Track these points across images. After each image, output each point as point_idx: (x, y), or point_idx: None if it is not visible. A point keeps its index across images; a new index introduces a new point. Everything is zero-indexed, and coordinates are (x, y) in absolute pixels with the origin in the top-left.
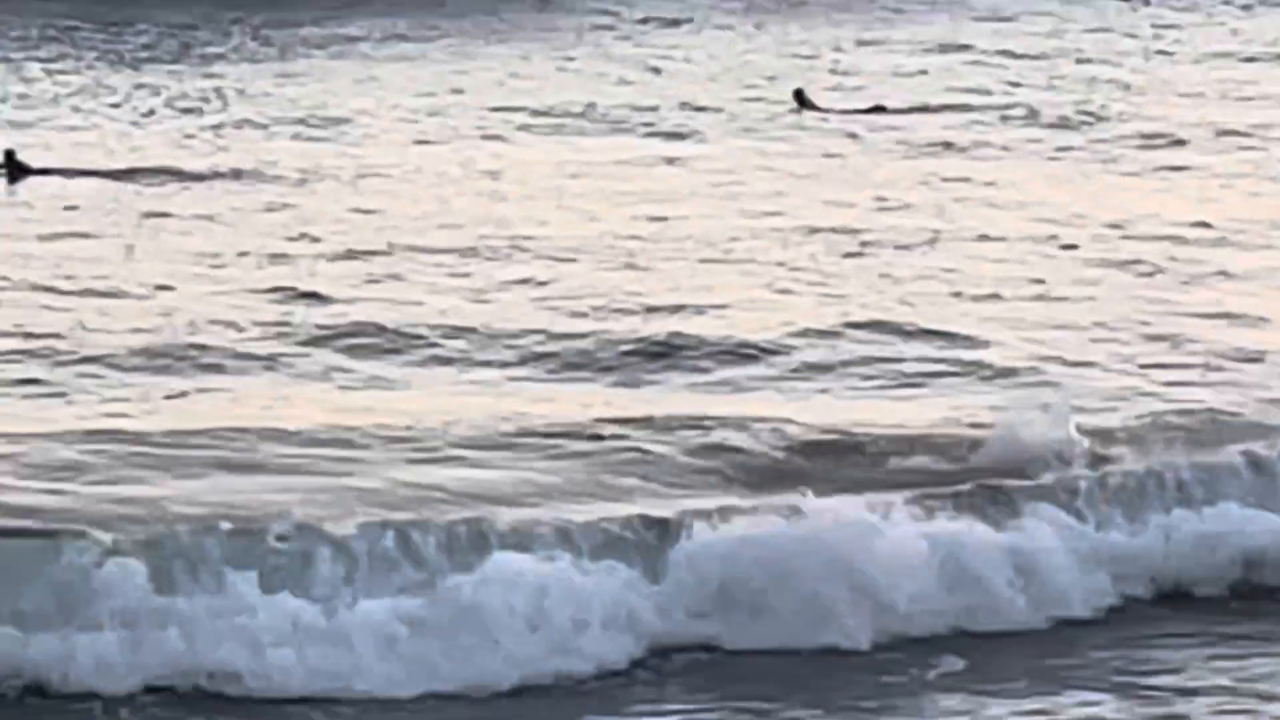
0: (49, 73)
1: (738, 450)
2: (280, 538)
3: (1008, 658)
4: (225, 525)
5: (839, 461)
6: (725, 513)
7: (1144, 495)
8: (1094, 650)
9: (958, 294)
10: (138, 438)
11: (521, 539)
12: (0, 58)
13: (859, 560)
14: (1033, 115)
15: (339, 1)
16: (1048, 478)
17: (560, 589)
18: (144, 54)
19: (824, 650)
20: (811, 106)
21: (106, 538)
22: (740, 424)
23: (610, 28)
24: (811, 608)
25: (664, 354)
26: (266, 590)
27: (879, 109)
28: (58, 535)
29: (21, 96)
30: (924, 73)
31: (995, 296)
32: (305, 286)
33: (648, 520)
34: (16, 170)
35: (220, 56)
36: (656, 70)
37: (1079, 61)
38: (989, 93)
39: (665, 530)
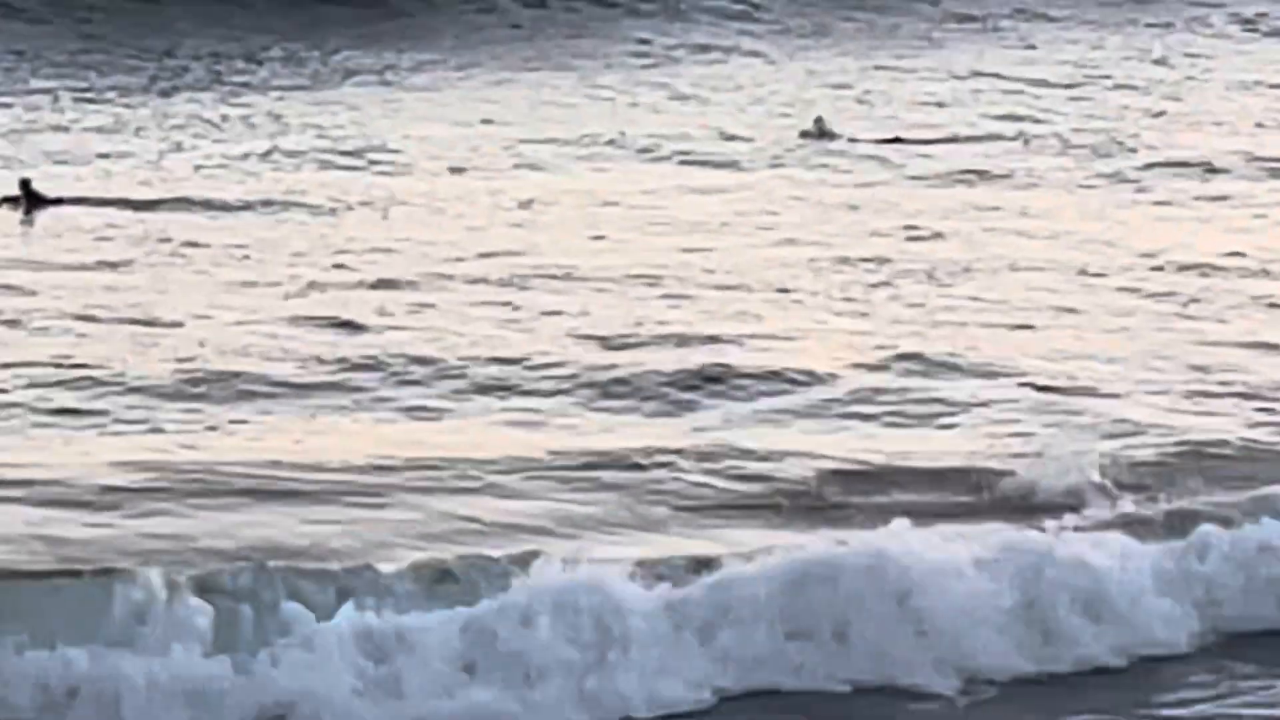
0: (78, 101)
1: (776, 480)
2: (333, 576)
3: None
4: (278, 563)
5: (877, 492)
6: (787, 548)
7: (1213, 529)
8: (1145, 683)
9: (990, 324)
10: (175, 469)
11: (576, 577)
12: (32, 87)
13: (933, 596)
14: (1064, 144)
15: (370, 30)
16: (1114, 511)
17: (622, 631)
18: (174, 82)
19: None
20: (832, 135)
21: (159, 576)
22: (779, 455)
23: (641, 55)
24: (883, 647)
25: (700, 385)
26: (323, 629)
27: (897, 140)
28: (110, 574)
29: (55, 127)
30: (958, 103)
31: (1027, 326)
32: (341, 316)
33: (705, 558)
34: (33, 200)
35: (250, 85)
36: (687, 98)
37: (1109, 89)
38: (1019, 120)
39: (725, 566)
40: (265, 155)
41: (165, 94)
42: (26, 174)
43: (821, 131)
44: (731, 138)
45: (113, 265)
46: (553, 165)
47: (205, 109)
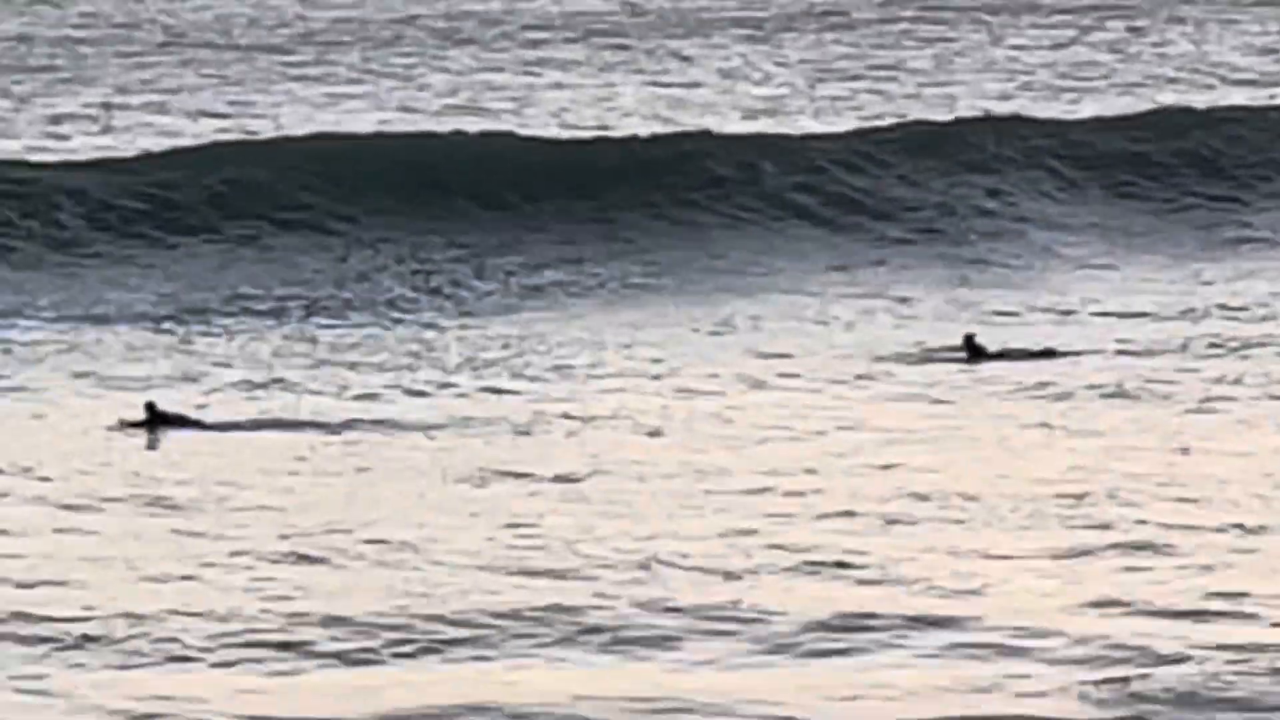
0: (254, 331)
1: None
2: None
3: None
4: None
5: None
6: None
7: None
8: None
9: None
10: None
11: None
12: (224, 325)
13: None
14: (1246, 359)
15: (546, 252)
16: None
17: None
18: (322, 307)
19: None
20: (985, 355)
21: None
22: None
23: (800, 268)
24: None
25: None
26: None
27: (1049, 353)
28: None
29: (222, 362)
30: (1146, 316)
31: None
32: (554, 534)
33: None
34: (159, 422)
35: (415, 306)
36: (853, 319)
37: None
38: (1187, 330)
39: None
40: (450, 379)
41: (316, 316)
42: (151, 397)
43: (973, 350)
44: (901, 356)
45: (288, 488)
46: (735, 385)
47: (368, 335)
